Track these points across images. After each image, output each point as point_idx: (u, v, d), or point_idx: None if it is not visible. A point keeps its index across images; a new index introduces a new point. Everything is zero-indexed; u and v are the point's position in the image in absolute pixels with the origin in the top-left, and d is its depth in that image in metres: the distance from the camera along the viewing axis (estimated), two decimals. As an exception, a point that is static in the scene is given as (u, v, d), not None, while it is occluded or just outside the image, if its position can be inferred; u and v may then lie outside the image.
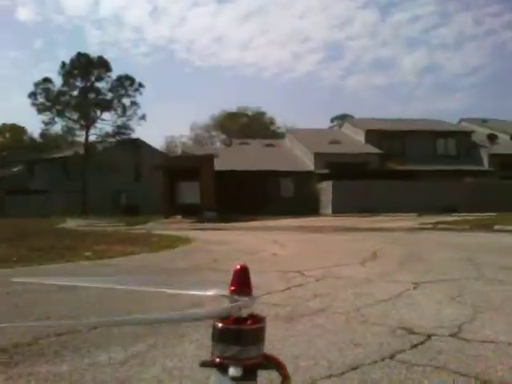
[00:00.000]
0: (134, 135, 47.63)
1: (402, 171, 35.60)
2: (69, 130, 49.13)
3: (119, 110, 46.52)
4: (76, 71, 46.14)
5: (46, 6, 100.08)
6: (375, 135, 38.86)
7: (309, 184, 35.52)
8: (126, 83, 46.24)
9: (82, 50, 52.96)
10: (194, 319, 0.83)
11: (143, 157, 46.79)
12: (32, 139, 79.89)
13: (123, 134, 46.92)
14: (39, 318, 3.16)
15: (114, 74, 46.70)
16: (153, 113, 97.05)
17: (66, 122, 47.69)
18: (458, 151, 39.08)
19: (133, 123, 46.67)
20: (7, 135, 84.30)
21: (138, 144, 47.12)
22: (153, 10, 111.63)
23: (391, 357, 2.24)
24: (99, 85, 46.49)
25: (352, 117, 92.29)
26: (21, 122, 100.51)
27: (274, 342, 2.46)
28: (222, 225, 22.07)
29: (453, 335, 2.59)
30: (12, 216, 36.90)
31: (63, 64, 45.81)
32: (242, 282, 0.79)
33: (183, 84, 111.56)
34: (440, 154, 38.64)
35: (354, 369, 2.09)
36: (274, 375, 0.78)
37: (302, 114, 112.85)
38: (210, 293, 0.82)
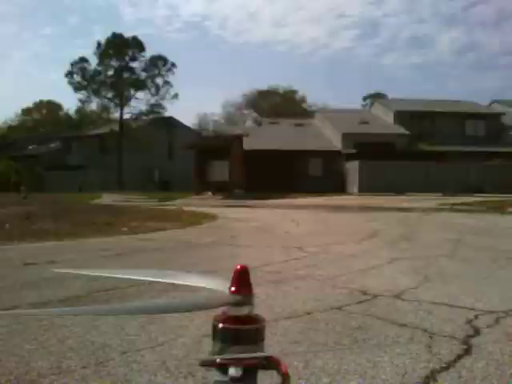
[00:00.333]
0: (167, 113, 48.91)
1: (430, 152, 35.88)
2: (104, 108, 50.83)
3: (152, 90, 47.75)
4: (111, 51, 47.38)
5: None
6: (404, 116, 39.06)
7: (337, 163, 36.20)
8: (159, 63, 47.36)
9: (116, 27, 54.06)
10: (194, 309, 0.84)
11: (176, 134, 48.12)
12: (68, 116, 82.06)
13: (156, 112, 48.21)
14: (91, 279, 4.17)
15: (147, 52, 47.79)
16: (186, 90, 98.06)
17: (101, 101, 49.30)
18: (488, 133, 39.02)
19: (165, 102, 47.90)
20: (44, 111, 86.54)
21: (171, 122, 48.34)
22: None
23: (339, 308, 3.18)
24: (133, 64, 47.71)
25: (385, 96, 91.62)
26: (56, 99, 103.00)
27: (262, 297, 3.42)
28: (249, 202, 23.07)
29: (394, 296, 3.50)
30: (50, 191, 38.64)
31: (98, 44, 47.10)
32: (242, 282, 0.79)
33: (216, 61, 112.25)
34: (469, 136, 38.64)
35: (309, 314, 3.03)
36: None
37: (334, 91, 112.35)
38: (211, 286, 0.83)
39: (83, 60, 47.60)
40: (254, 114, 76.48)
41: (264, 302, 3.30)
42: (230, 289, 0.78)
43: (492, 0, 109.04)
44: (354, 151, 35.44)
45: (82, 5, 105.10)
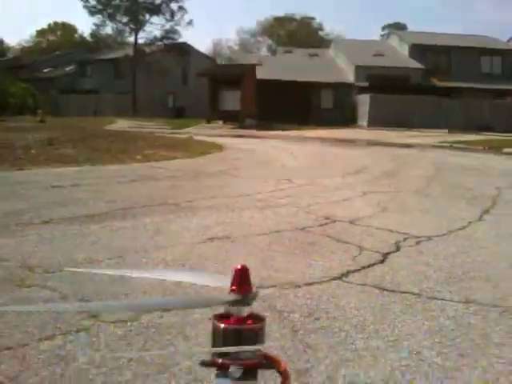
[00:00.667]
0: (182, 39, 48.68)
1: (443, 88, 35.83)
2: (119, 33, 50.64)
3: (167, 15, 47.33)
4: (127, -26, 46.65)
5: None
6: (420, 50, 38.65)
7: (348, 96, 36.40)
8: (174, -12, 46.68)
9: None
10: (193, 306, 0.88)
11: (190, 61, 48.09)
12: (82, 38, 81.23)
13: (171, 38, 48.00)
14: (110, 201, 5.11)
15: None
16: (201, 15, 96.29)
17: (116, 25, 49.08)
18: (504, 70, 38.66)
19: (180, 28, 47.60)
20: (58, 33, 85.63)
21: (186, 48, 48.16)
22: None
23: (303, 228, 4.10)
24: (149, -12, 47.12)
25: (404, 26, 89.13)
26: (71, 21, 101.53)
27: (245, 218, 4.34)
28: (259, 133, 23.79)
29: (350, 222, 4.40)
30: (65, 115, 39.38)
31: (114, -33, 46.32)
32: (242, 281, 0.79)
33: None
34: (485, 72, 38.32)
35: (278, 232, 3.96)
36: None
37: (353, 19, 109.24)
38: (213, 285, 0.82)
39: (98, -17, 47.01)
40: (269, 42, 75.46)
41: (247, 222, 4.24)
42: (230, 288, 0.78)
43: None
44: (366, 84, 35.53)
45: None
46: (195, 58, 48.69)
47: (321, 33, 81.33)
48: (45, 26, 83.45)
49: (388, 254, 3.43)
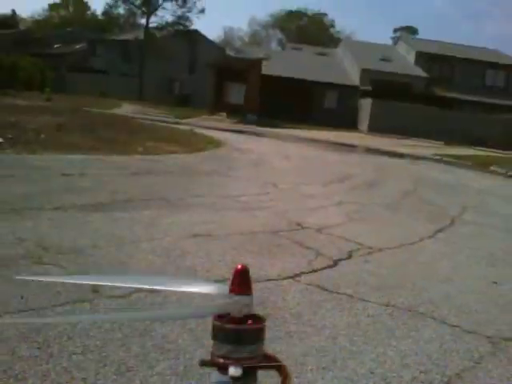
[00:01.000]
0: (193, 26, 49.28)
1: (444, 98, 36.43)
2: (131, 14, 51.25)
3: (180, 1, 47.89)
4: (143, -43, 47.11)
5: None
6: (426, 58, 39.22)
7: (351, 99, 37.00)
8: (189, -26, 47.15)
9: None
10: (192, 317, 0.89)
11: (200, 49, 48.71)
12: (94, 16, 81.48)
13: (182, 24, 48.55)
14: (112, 191, 5.80)
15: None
16: (214, 1, 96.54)
17: (129, 7, 49.65)
18: (508, 85, 39.26)
19: (192, 15, 48.13)
20: (71, 9, 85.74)
21: (196, 36, 48.71)
22: None
23: (275, 232, 4.79)
24: (164, -28, 47.61)
25: (415, 30, 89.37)
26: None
27: (227, 219, 5.05)
28: (259, 129, 24.43)
29: (317, 229, 5.10)
30: (72, 93, 39.88)
31: (131, -51, 46.75)
32: (242, 282, 0.80)
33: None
34: (488, 86, 38.93)
35: (252, 233, 4.65)
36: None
37: (365, 18, 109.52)
38: (209, 291, 0.82)
39: (113, -37, 47.44)
40: (280, 36, 75.89)
41: (228, 222, 4.94)
42: (229, 289, 0.79)
43: None
44: (369, 88, 36.12)
45: None
46: (204, 47, 49.28)
47: (332, 30, 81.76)
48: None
49: (339, 260, 4.13)
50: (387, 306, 3.29)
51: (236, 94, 32.00)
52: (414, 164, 14.80)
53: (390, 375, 2.42)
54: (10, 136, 9.04)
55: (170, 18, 48.35)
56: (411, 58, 40.86)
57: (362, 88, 37.00)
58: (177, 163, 8.88)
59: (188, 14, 48.16)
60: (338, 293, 3.38)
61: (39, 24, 78.11)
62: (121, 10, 54.92)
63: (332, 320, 2.97)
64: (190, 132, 16.12)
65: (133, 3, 48.91)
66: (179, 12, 48.16)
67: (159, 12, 48.45)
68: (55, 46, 59.97)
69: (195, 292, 0.85)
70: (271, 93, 34.37)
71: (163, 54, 43.88)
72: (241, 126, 25.21)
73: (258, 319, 0.81)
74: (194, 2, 47.66)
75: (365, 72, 37.67)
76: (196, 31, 49.81)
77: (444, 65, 39.55)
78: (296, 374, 2.26)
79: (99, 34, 59.43)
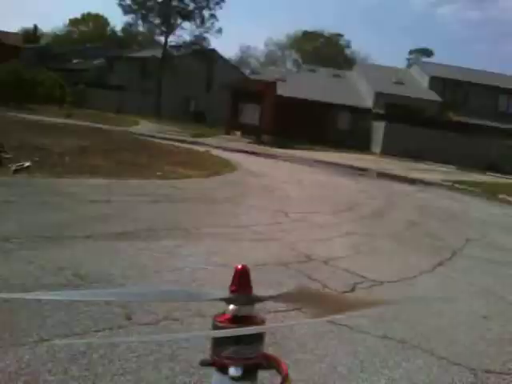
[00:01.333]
0: (210, 45, 50.43)
1: (458, 123, 36.79)
2: (150, 34, 52.56)
3: (198, 21, 49.01)
4: (163, -23, 48.35)
5: None
6: (439, 82, 39.67)
7: (365, 121, 37.51)
8: (208, -5, 48.30)
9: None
10: (189, 300, 0.94)
11: (216, 68, 49.80)
12: (113, 32, 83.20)
13: (199, 44, 49.61)
14: (135, 219, 6.28)
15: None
16: (231, 20, 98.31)
17: (148, 26, 50.97)
18: (521, 111, 39.54)
19: (209, 35, 49.27)
20: (90, 24, 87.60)
21: (213, 55, 49.71)
22: None
23: (285, 264, 5.22)
24: (183, -7, 48.89)
25: (431, 53, 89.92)
26: (103, 11, 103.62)
27: (241, 251, 5.49)
28: (273, 151, 24.97)
29: (324, 261, 5.52)
30: (90, 108, 40.83)
31: (151, -31, 48.03)
32: (242, 282, 0.81)
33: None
34: (501, 111, 39.24)
35: (264, 265, 5.09)
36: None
37: (382, 38, 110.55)
38: (211, 298, 0.84)
39: (135, -17, 48.72)
40: (295, 56, 76.85)
41: (242, 253, 5.39)
42: (230, 289, 0.79)
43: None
44: (383, 112, 36.61)
45: None
46: (221, 65, 50.48)
47: (346, 51, 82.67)
48: (78, 15, 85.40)
49: (343, 293, 4.55)
50: (383, 337, 3.70)
51: (251, 114, 32.69)
52: (422, 191, 15.17)
53: (379, 401, 2.84)
54: (36, 159, 9.61)
55: (187, 38, 49.41)
56: (425, 82, 41.36)
57: (376, 111, 37.51)
58: (193, 189, 9.37)
59: (206, 34, 49.23)
60: (341, 324, 3.80)
61: (59, 39, 79.98)
62: (140, 28, 56.22)
63: (334, 349, 3.40)
64: (207, 154, 16.66)
65: (152, 22, 50.13)
66: (197, 32, 49.26)
67: (177, 32, 49.56)
68: (74, 61, 61.41)
69: (197, 300, 0.94)
70: (285, 113, 35.03)
71: (180, 71, 44.92)
72: (255, 147, 25.75)
73: (257, 320, 0.83)
74: (212, 23, 48.71)
75: (378, 95, 38.23)
76: (213, 50, 50.89)
77: (458, 89, 40.00)
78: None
79: (118, 51, 60.81)
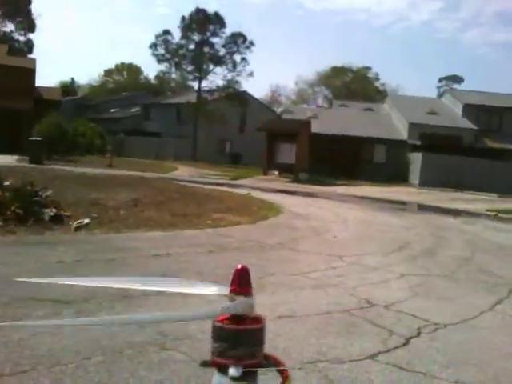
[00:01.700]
0: (242, 87, 51.76)
1: (495, 149, 36.47)
2: (183, 80, 54.42)
3: (230, 65, 50.44)
4: (194, 25, 50.16)
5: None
6: (473, 109, 39.55)
7: (401, 153, 37.53)
8: (238, 40, 49.75)
9: None
10: (194, 319, 0.94)
11: (249, 109, 50.94)
12: (147, 80, 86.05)
13: (232, 87, 50.92)
14: (199, 273, 6.57)
15: (227, 28, 50.36)
16: (260, 60, 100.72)
17: (181, 73, 52.82)
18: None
19: (241, 78, 50.58)
20: (125, 74, 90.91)
21: (245, 97, 50.89)
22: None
23: (348, 310, 5.41)
24: (214, 40, 50.46)
25: (461, 79, 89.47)
26: (135, 61, 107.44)
27: (303, 300, 5.71)
28: (312, 188, 25.24)
29: (384, 306, 5.67)
30: (129, 155, 42.13)
31: (183, 18, 49.96)
32: (242, 282, 0.80)
33: (292, 29, 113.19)
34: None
35: (328, 313, 5.28)
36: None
37: (410, 68, 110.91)
38: (211, 292, 0.82)
39: (167, 33, 50.68)
40: (326, 92, 77.78)
41: (305, 302, 5.61)
42: (230, 289, 0.78)
43: None
44: (418, 143, 36.60)
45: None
46: (253, 107, 51.65)
47: (376, 83, 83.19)
48: (112, 66, 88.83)
49: (410, 338, 4.70)
50: (456, 382, 3.84)
51: (287, 153, 33.19)
52: (468, 223, 15.13)
53: None
54: (94, 215, 10.10)
55: (220, 82, 50.82)
56: (458, 110, 41.29)
57: (411, 142, 37.53)
58: (244, 236, 9.66)
59: (237, 78, 50.60)
60: (414, 371, 3.96)
61: (95, 90, 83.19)
62: (173, 75, 58.48)
63: (411, 397, 3.57)
64: (249, 196, 17.03)
65: (185, 69, 51.91)
66: (229, 76, 50.67)
67: (210, 77, 51.07)
68: (111, 110, 63.66)
69: (197, 293, 0.91)
70: (320, 150, 35.41)
71: (214, 115, 46.09)
72: (294, 186, 26.10)
73: (257, 319, 0.82)
74: (244, 66, 50.07)
75: (413, 126, 38.32)
76: (245, 92, 52.18)
77: (492, 115, 39.79)
78: None
79: (152, 98, 62.85)
